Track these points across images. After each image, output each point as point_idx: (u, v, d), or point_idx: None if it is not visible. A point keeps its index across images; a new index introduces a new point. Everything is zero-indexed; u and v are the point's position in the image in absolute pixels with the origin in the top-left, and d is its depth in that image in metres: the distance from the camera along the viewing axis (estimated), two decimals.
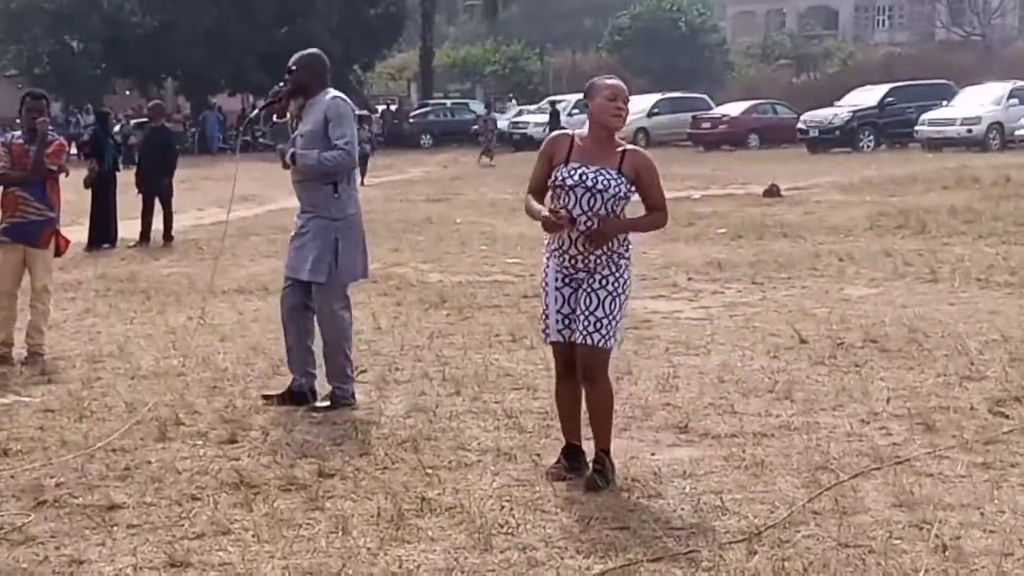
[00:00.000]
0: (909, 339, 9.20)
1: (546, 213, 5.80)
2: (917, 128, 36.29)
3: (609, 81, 5.95)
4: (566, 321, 5.89)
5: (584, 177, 5.79)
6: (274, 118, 7.77)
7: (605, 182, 5.78)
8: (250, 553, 5.14)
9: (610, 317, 5.82)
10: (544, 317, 6.02)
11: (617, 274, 5.89)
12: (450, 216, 20.69)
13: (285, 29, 50.59)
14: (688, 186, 25.38)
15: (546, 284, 5.98)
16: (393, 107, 55.09)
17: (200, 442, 6.90)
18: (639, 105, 47.37)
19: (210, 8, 49.58)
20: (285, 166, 7.80)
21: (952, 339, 9.16)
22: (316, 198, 7.56)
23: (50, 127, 9.53)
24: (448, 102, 57.44)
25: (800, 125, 39.54)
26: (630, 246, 5.98)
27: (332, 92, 7.72)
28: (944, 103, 37.07)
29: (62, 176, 9.60)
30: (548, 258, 5.99)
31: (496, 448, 6.59)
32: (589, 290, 5.84)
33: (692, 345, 9.33)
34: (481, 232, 18.03)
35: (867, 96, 39.52)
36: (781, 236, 16.26)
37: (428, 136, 50.75)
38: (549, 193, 5.95)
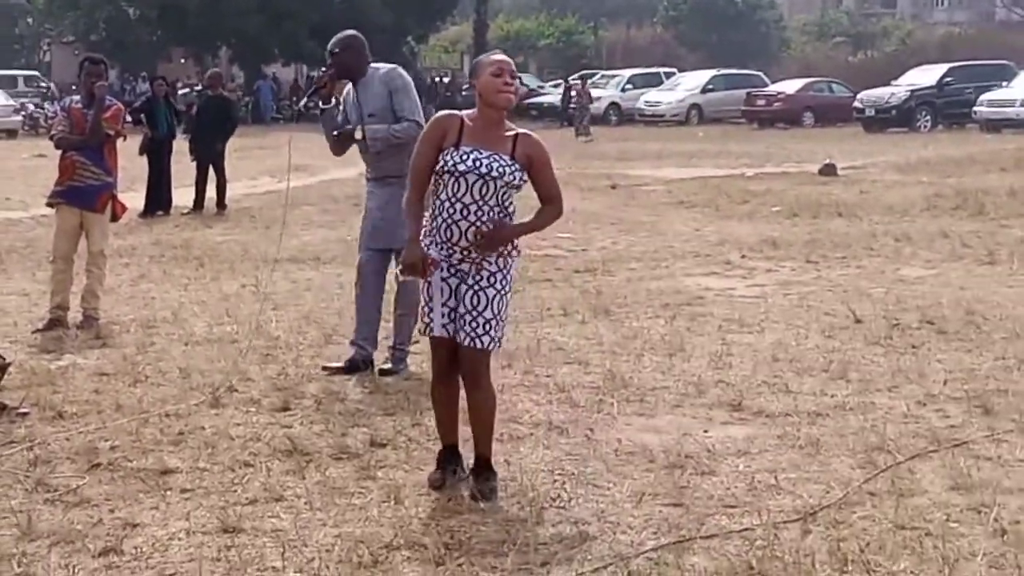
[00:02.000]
0: (966, 321, 9.08)
1: (418, 250, 5.31)
2: (976, 109, 35.82)
3: (494, 56, 5.48)
4: (452, 315, 5.37)
5: (478, 163, 5.29)
6: (320, 103, 7.76)
7: (500, 169, 5.30)
8: (302, 520, 5.15)
9: (498, 317, 5.36)
10: (427, 310, 5.44)
11: (505, 271, 5.42)
12: None
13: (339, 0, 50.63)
14: (742, 163, 25.21)
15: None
16: (446, 79, 54.97)
17: (253, 409, 6.93)
18: (693, 81, 47.27)
19: None
20: (337, 152, 7.85)
21: (1010, 322, 9.03)
22: (402, 167, 7.52)
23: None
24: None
25: (856, 104, 39.12)
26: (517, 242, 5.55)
27: (383, 66, 7.77)
28: (1003, 84, 36.59)
29: (119, 141, 9.64)
30: (428, 246, 5.38)
31: (548, 421, 6.57)
32: (476, 288, 5.35)
33: (745, 323, 9.25)
34: (532, 206, 17.94)
35: (925, 76, 39.06)
36: (836, 215, 16.08)
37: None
38: (434, 180, 5.39)
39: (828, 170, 22.11)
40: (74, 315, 9.36)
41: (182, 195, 17.84)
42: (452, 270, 5.38)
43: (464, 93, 50.92)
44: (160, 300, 10.49)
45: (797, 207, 16.92)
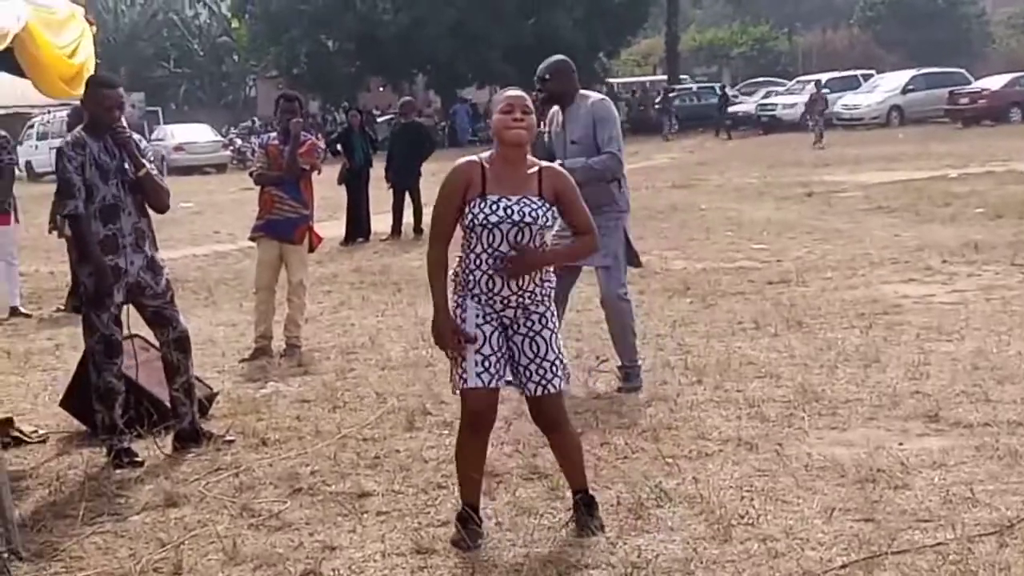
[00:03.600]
0: None
1: (447, 321, 5.18)
2: None
3: (508, 92, 5.21)
4: (486, 364, 5.10)
5: (509, 211, 5.05)
6: None
7: (533, 213, 5.06)
8: (492, 541, 5.24)
9: (560, 356, 5.21)
10: (459, 360, 5.16)
11: (551, 307, 5.27)
12: (695, 202, 20.54)
13: (531, 21, 51.18)
14: (945, 164, 24.52)
15: (463, 323, 5.18)
16: (638, 93, 54.93)
17: (446, 431, 7.06)
18: (893, 82, 46.12)
19: (457, 2, 50.51)
20: None
21: None
22: (602, 196, 7.65)
23: (303, 127, 9.90)
24: (694, 86, 56.93)
25: None
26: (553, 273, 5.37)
27: (592, 95, 7.98)
28: None
29: (315, 174, 9.97)
30: (464, 298, 5.23)
31: (737, 437, 6.54)
32: (531, 334, 5.18)
33: (945, 330, 9.02)
34: (726, 218, 17.83)
35: None
36: None
37: (674, 121, 50.37)
38: (465, 234, 5.19)
39: None
40: (278, 344, 9.71)
41: (380, 221, 18.29)
42: (488, 317, 5.17)
43: (657, 106, 50.97)
44: (359, 326, 10.79)
45: (1002, 208, 16.39)
